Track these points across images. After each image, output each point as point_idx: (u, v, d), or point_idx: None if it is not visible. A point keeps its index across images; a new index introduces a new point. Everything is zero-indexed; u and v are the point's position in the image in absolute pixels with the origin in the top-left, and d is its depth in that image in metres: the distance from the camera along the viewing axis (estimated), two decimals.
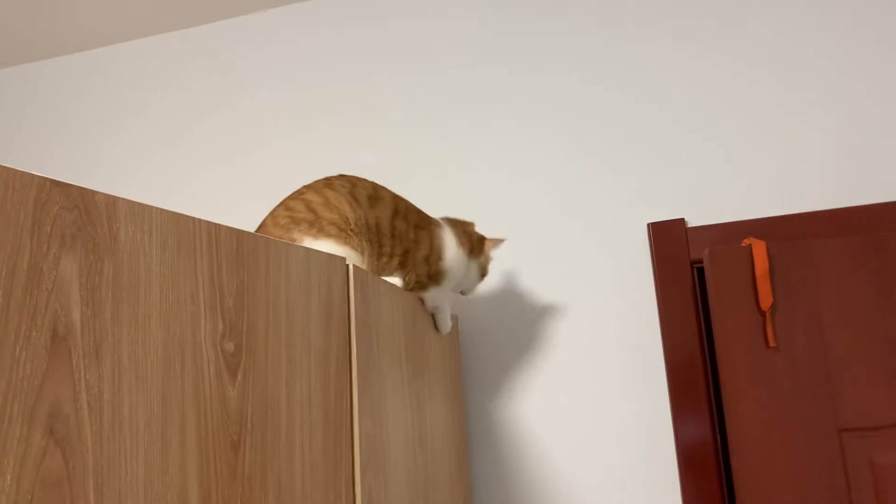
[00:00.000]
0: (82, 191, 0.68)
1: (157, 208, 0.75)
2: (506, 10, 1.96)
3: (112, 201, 0.70)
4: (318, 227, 1.20)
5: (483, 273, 1.56)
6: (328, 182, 1.30)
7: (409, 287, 1.39)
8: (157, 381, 0.72)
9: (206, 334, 0.79)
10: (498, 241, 1.57)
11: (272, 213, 1.26)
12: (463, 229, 1.52)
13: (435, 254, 1.42)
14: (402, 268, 1.37)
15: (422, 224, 1.42)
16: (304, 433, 0.92)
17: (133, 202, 0.72)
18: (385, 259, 1.31)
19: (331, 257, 1.05)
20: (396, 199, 1.38)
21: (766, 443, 1.40)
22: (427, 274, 1.41)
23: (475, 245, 1.52)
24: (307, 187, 1.29)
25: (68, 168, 2.28)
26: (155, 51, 2.29)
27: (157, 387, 0.72)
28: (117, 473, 0.67)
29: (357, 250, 1.22)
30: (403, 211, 1.39)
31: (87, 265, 0.67)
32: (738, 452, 1.41)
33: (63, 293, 0.64)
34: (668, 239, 1.69)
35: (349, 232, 1.23)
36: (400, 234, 1.35)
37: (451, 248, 1.46)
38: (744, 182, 1.70)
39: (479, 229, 1.68)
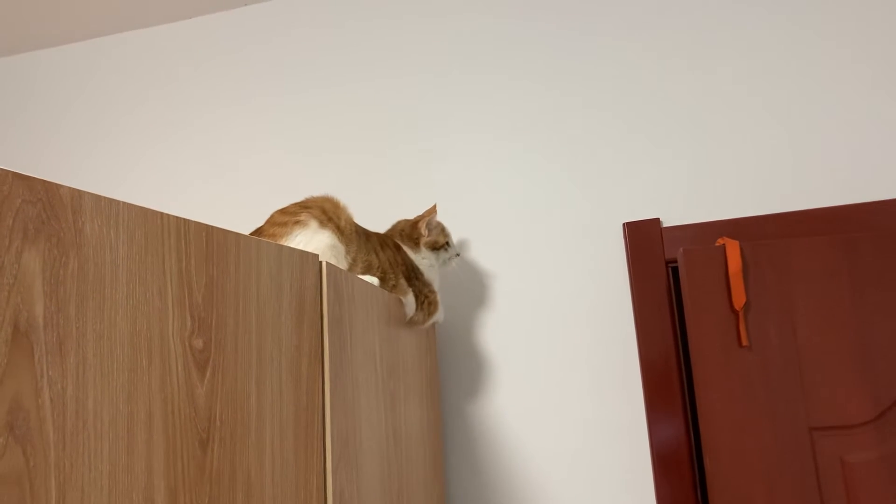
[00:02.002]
0: (46, 184, 0.67)
1: (123, 202, 0.74)
2: (484, 15, 1.96)
3: (77, 195, 0.69)
4: (328, 218, 1.27)
5: (437, 247, 1.61)
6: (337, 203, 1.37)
7: (426, 315, 1.52)
8: (123, 378, 0.71)
9: (174, 330, 0.78)
10: (431, 213, 1.62)
11: (280, 209, 1.32)
12: (400, 234, 1.61)
13: (414, 271, 1.54)
14: (411, 286, 1.48)
15: (396, 248, 1.54)
16: (274, 431, 0.91)
17: (99, 196, 0.71)
18: (391, 283, 1.41)
19: (303, 254, 1.04)
20: (372, 233, 1.49)
21: (738, 441, 1.41)
22: (427, 291, 1.54)
23: (416, 237, 1.59)
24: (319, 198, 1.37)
25: (57, 161, 2.25)
26: (143, 45, 2.27)
27: (122, 383, 0.71)
28: (80, 471, 0.66)
29: (347, 257, 1.28)
30: (381, 239, 1.50)
31: (51, 259, 0.66)
32: (711, 451, 1.42)
33: (25, 288, 0.63)
34: (643, 238, 1.70)
35: (349, 238, 1.31)
36: (392, 262, 1.45)
37: (415, 257, 1.57)
38: (718, 182, 1.71)
39: (449, 226, 1.70)
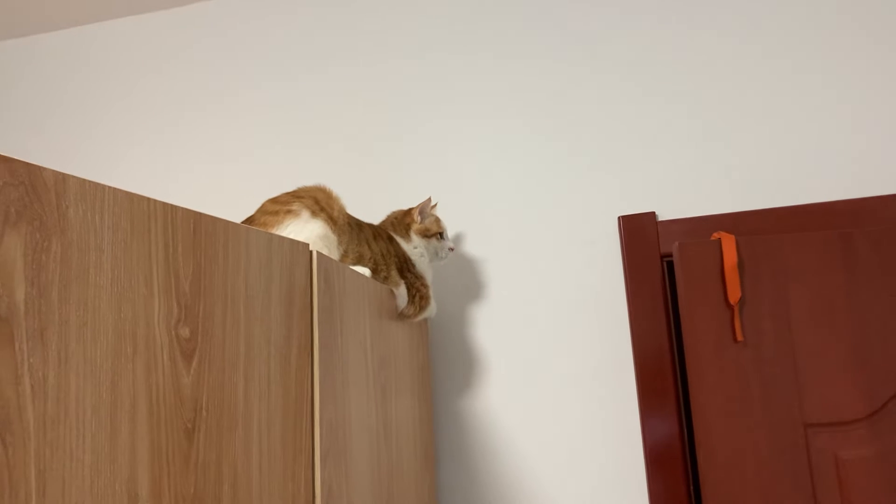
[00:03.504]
0: (29, 167, 0.65)
1: (109, 187, 0.72)
2: (481, 4, 1.94)
3: (61, 178, 0.68)
4: (320, 207, 1.25)
5: (428, 235, 1.58)
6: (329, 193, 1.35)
7: (418, 310, 1.49)
8: (107, 366, 0.70)
9: (160, 319, 0.76)
10: (426, 203, 1.59)
11: (271, 198, 1.30)
12: (392, 223, 1.59)
13: (406, 263, 1.52)
14: (404, 278, 1.46)
15: (389, 239, 1.52)
16: (262, 421, 0.90)
17: (84, 180, 0.70)
18: (383, 275, 1.39)
19: (294, 243, 1.02)
20: (365, 224, 1.47)
21: (732, 437, 1.40)
22: (420, 282, 1.52)
23: (408, 223, 1.57)
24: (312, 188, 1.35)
25: (51, 149, 2.23)
26: (133, 33, 2.24)
27: (106, 372, 0.69)
28: (62, 462, 0.64)
29: (339, 247, 1.27)
30: (374, 231, 1.48)
31: (33, 244, 0.64)
32: (705, 446, 1.41)
33: (6, 272, 0.62)
34: (638, 232, 1.69)
35: (342, 229, 1.30)
36: (384, 254, 1.43)
37: (407, 247, 1.54)
38: (714, 176, 1.70)
39: (443, 218, 1.70)
